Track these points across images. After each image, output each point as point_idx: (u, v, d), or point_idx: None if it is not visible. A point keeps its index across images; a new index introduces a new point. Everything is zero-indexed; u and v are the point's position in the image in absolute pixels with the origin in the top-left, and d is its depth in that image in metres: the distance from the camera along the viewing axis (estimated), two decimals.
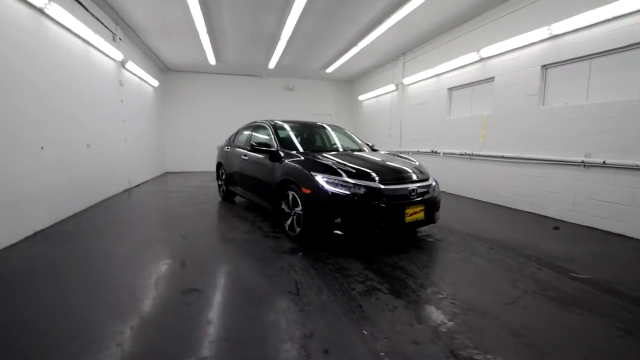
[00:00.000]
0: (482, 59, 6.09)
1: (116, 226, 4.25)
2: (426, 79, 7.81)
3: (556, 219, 4.74)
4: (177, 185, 8.07)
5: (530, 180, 5.21)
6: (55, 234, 3.78)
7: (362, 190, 3.16)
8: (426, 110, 7.92)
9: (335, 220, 3.14)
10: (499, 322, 2.07)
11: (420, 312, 2.20)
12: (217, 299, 2.35)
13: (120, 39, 6.64)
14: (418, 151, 8.07)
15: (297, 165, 3.61)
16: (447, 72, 7.06)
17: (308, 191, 3.30)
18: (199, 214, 4.98)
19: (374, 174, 3.32)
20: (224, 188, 6.01)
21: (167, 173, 10.72)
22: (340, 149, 4.69)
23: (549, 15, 4.77)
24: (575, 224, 4.50)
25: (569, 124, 4.62)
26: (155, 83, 9.11)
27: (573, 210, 4.58)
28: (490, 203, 5.96)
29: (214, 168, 11.44)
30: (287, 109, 11.88)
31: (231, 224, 4.41)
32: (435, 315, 2.16)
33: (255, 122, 5.44)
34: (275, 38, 7.28)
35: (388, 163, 3.80)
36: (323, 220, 3.22)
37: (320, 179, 3.26)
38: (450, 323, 2.04)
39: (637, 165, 3.81)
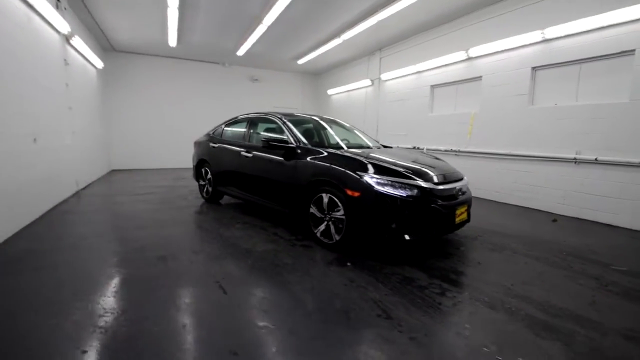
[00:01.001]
0: (469, 58, 6.28)
1: (84, 255, 3.32)
2: (407, 75, 7.86)
3: (546, 212, 5.10)
4: (138, 185, 6.92)
5: (520, 176, 5.53)
6: None
7: (415, 192, 2.91)
8: (406, 106, 7.99)
9: (392, 226, 2.85)
10: (602, 328, 2.01)
11: (527, 323, 2.04)
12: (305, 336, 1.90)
13: (65, 8, 5.35)
14: (398, 147, 8.11)
15: (333, 164, 3.21)
16: (431, 69, 7.17)
17: (357, 194, 2.94)
18: (190, 223, 4.25)
19: (425, 173, 3.10)
20: (208, 188, 5.28)
21: (113, 171, 9.21)
22: (358, 145, 4.34)
23: (541, 20, 5.04)
24: (566, 215, 4.88)
25: (560, 123, 4.97)
26: (100, 64, 7.67)
27: (563, 204, 4.96)
28: (480, 198, 6.22)
29: (173, 165, 10.21)
30: (252, 100, 11.12)
31: (241, 232, 3.82)
32: (546, 328, 2.02)
33: (253, 114, 4.82)
34: (256, 22, 6.60)
35: (429, 161, 3.61)
36: (376, 226, 2.90)
37: (369, 179, 2.93)
38: (562, 332, 1.92)
39: (627, 162, 4.23)
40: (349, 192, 2.99)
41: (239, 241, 3.50)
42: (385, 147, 4.63)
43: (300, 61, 9.75)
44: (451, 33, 6.59)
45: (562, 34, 4.82)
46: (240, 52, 8.72)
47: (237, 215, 4.61)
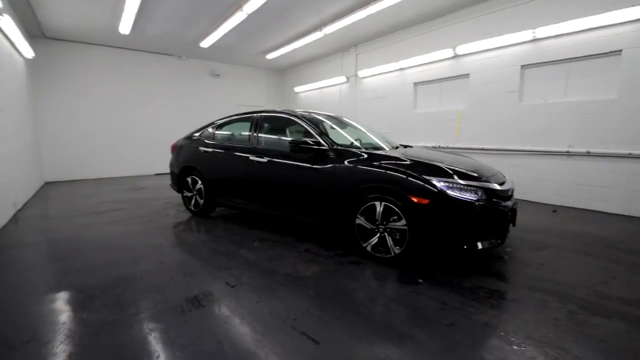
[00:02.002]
0: (457, 56, 6.36)
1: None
2: (388, 72, 7.76)
3: (543, 204, 5.36)
4: (92, 202, 5.68)
5: (514, 170, 5.73)
6: None
7: (483, 195, 2.68)
8: (387, 104, 7.89)
9: (472, 234, 2.58)
10: None
11: None
12: None
13: None
14: (418, 146, 8.00)
15: (390, 169, 2.84)
16: (414, 66, 7.15)
17: (425, 201, 2.61)
18: (198, 246, 3.50)
19: (488, 175, 2.89)
20: (198, 200, 4.50)
21: (48, 184, 7.56)
22: (376, 145, 3.97)
23: (531, 19, 5.24)
24: (562, 206, 5.16)
25: (550, 118, 5.23)
26: (30, 53, 6.17)
27: (559, 195, 5.24)
28: None
29: (123, 173, 8.97)
30: (212, 97, 10.17)
31: (266, 252, 3.23)
32: None
33: (257, 112, 4.18)
34: (234, 8, 5.86)
35: (470, 161, 3.41)
36: (452, 235, 2.60)
37: (440, 184, 2.62)
38: None
39: (617, 154, 4.58)
40: (415, 200, 2.64)
41: (273, 264, 2.92)
42: (405, 146, 4.38)
43: (270, 56, 9.10)
44: (436, 30, 6.62)
45: (552, 34, 5.06)
46: (206, 43, 7.78)
47: (244, 230, 3.96)
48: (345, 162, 3.10)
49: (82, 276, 2.66)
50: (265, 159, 3.68)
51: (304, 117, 3.67)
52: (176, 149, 4.88)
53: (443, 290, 2.41)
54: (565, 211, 4.91)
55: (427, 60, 6.81)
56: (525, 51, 5.43)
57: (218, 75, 10.15)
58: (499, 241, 2.77)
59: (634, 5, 4.26)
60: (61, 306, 2.22)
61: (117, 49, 8.41)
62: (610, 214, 4.68)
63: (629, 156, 4.48)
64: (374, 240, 2.92)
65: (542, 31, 5.11)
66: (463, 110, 6.39)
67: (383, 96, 7.99)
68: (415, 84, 7.25)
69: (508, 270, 2.81)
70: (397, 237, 2.78)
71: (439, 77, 6.76)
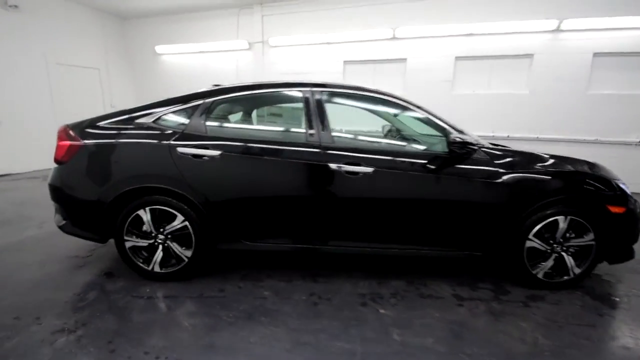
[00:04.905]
0: (395, 38, 6.17)
1: None
2: (311, 44, 6.68)
3: None
4: None
5: None
6: None
7: None
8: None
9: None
10: None
11: None
12: None
13: None
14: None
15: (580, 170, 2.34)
16: (345, 42, 6.46)
17: (621, 210, 2.26)
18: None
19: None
20: (176, 250, 2.33)
21: None
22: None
23: (468, 15, 5.70)
24: None
25: (478, 107, 6.03)
26: None
27: None
28: None
29: None
30: (5, 44, 5.77)
31: (420, 320, 1.99)
32: None
33: (301, 84, 2.54)
34: None
35: None
36: (628, 245, 2.38)
37: (626, 189, 2.33)
38: None
39: (529, 138, 5.83)
40: (613, 209, 2.25)
41: (468, 344, 1.83)
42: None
43: None
44: (375, 6, 6.15)
45: (484, 32, 5.70)
46: None
47: (320, 286, 2.36)
48: (501, 161, 2.34)
49: None
50: (369, 169, 2.22)
51: (401, 99, 2.49)
52: (83, 151, 2.28)
53: None
54: None
55: (362, 38, 6.31)
56: (460, 44, 5.91)
57: (16, 6, 5.71)
58: None
59: (547, 19, 5.34)
60: None
61: None
62: None
63: (537, 139, 5.80)
64: (549, 263, 2.35)
65: (476, 27, 5.67)
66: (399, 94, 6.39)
67: (304, 72, 6.90)
68: (346, 62, 6.63)
69: None
70: (577, 255, 2.35)
71: (374, 58, 6.43)
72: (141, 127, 2.32)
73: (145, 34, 7.93)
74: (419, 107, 2.55)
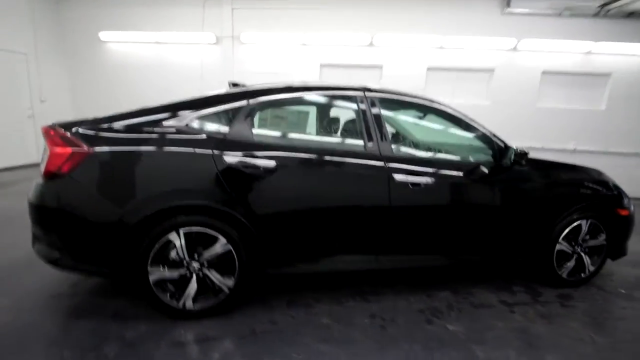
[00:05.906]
0: (372, 45, 6.27)
1: None
2: (285, 43, 6.42)
3: None
4: None
5: None
6: None
7: None
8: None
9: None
10: None
11: None
12: None
13: None
14: None
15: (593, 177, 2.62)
16: (323, 45, 6.36)
17: (626, 212, 2.60)
18: None
19: None
20: (215, 280, 1.97)
21: None
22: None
23: (439, 28, 6.07)
24: None
25: None
26: None
27: None
28: None
29: None
30: None
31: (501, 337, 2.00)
32: None
33: (354, 89, 2.29)
34: None
35: None
36: (623, 244, 2.73)
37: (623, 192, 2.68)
38: None
39: None
40: (622, 212, 2.57)
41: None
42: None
43: None
44: (354, 10, 6.16)
45: (452, 46, 6.13)
46: None
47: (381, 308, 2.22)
48: (546, 176, 2.53)
49: None
50: (429, 180, 2.15)
51: (457, 111, 2.52)
52: (93, 160, 1.80)
53: None
54: None
55: (340, 42, 6.28)
56: (432, 55, 6.26)
57: None
58: None
59: (508, 37, 5.95)
60: None
61: None
62: None
63: None
64: (571, 264, 2.58)
65: (446, 41, 6.07)
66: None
67: (277, 73, 6.60)
68: (322, 65, 6.53)
69: None
70: (591, 254, 2.62)
71: (350, 62, 6.46)
72: (171, 132, 1.91)
73: (87, 17, 6.74)
74: (472, 120, 2.55)
